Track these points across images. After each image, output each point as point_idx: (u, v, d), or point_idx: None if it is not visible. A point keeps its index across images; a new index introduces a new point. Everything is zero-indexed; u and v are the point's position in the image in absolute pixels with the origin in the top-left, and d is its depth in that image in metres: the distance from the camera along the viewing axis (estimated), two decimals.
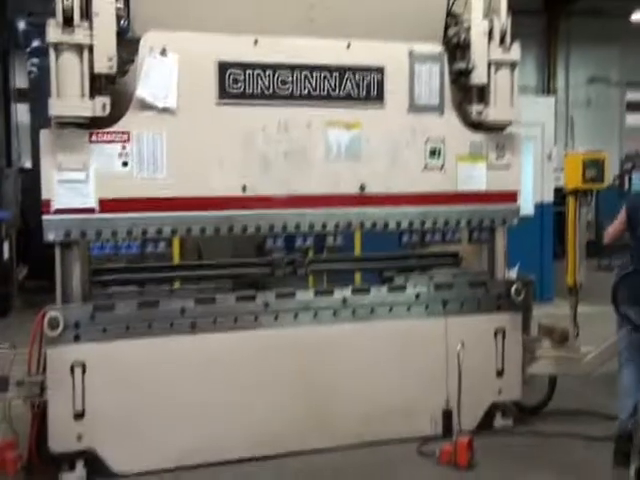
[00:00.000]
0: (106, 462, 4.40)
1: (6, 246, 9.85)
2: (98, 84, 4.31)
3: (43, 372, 4.38)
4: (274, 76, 4.63)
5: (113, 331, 4.42)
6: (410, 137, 4.93)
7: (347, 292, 4.90)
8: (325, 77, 4.73)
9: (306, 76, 4.69)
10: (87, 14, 4.23)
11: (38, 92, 11.07)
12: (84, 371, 4.33)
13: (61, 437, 4.32)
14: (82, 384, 4.33)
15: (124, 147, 4.39)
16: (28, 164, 13.33)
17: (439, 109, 4.97)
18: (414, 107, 4.92)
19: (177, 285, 5.36)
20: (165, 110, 4.44)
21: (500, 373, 5.15)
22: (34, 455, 4.44)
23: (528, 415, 5.41)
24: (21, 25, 13.31)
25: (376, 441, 4.87)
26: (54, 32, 4.19)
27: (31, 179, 10.87)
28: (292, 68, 4.66)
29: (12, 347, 4.42)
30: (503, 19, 4.99)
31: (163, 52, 4.40)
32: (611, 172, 12.05)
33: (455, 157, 5.03)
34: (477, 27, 4.93)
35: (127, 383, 4.44)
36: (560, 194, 8.69)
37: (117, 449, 4.42)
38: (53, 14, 4.22)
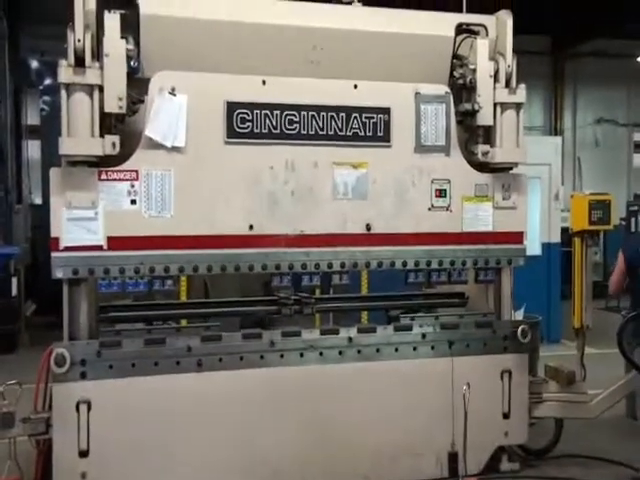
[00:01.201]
0: None
1: (14, 282, 9.88)
2: (108, 123, 4.36)
3: (49, 409, 4.37)
4: (281, 116, 4.68)
5: (119, 368, 4.41)
6: (416, 177, 4.95)
7: (353, 332, 4.89)
8: (332, 117, 4.77)
9: (313, 116, 4.74)
10: (98, 54, 4.32)
11: (49, 129, 11.22)
12: (89, 409, 4.32)
13: (65, 475, 4.29)
14: (87, 422, 4.31)
15: (133, 185, 4.43)
16: (38, 200, 13.45)
17: (445, 150, 5.00)
18: (420, 147, 4.95)
19: (184, 323, 5.36)
20: (174, 149, 4.49)
21: (506, 415, 5.09)
22: None
23: (534, 459, 5.34)
24: (34, 63, 13.57)
25: None
26: (66, 73, 4.26)
27: (41, 215, 10.96)
28: (299, 108, 4.71)
29: (19, 384, 4.41)
30: (509, 61, 5.04)
31: (172, 92, 4.47)
32: (618, 213, 12.03)
33: (461, 197, 5.04)
34: (483, 69, 4.98)
35: (132, 421, 4.42)
36: (567, 234, 8.72)
37: None
38: (65, 53, 4.30)
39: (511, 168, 5.19)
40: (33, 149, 13.87)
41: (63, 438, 4.30)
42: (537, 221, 9.74)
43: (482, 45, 4.99)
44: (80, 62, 4.27)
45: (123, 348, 4.45)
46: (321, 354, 4.80)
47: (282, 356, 4.72)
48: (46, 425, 4.38)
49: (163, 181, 4.49)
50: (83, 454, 4.31)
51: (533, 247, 8.65)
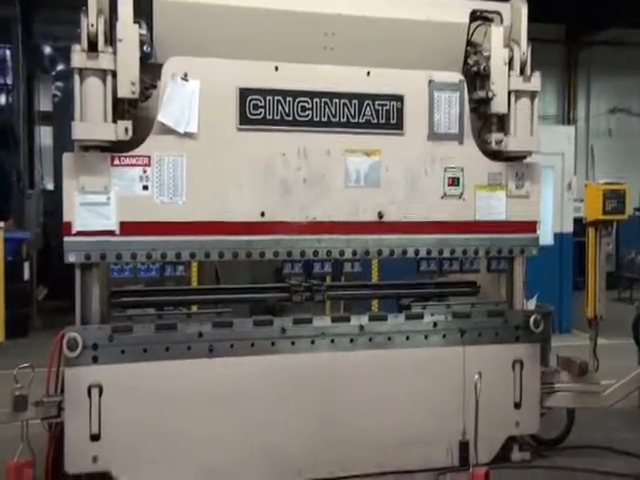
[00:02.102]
0: None
1: (27, 267, 9.94)
2: (120, 108, 4.36)
3: (61, 393, 4.40)
4: (294, 102, 4.66)
5: (131, 353, 4.43)
6: (429, 165, 4.93)
7: (364, 319, 4.89)
8: (345, 104, 4.75)
9: (326, 103, 4.71)
10: (111, 40, 4.31)
11: (62, 115, 11.26)
12: (101, 393, 4.34)
13: (77, 458, 4.32)
14: (99, 406, 4.33)
15: (145, 171, 4.43)
16: (50, 186, 13.50)
17: (458, 138, 4.97)
18: (433, 135, 4.92)
19: (195, 309, 5.37)
20: (186, 135, 4.48)
21: (518, 405, 5.07)
22: (50, 475, 4.45)
23: (546, 449, 5.33)
24: (46, 49, 13.58)
25: (392, 471, 4.82)
26: (79, 58, 4.26)
27: (53, 201, 11.03)
28: (312, 95, 4.69)
29: (31, 367, 4.43)
30: (523, 48, 5.00)
31: (185, 77, 4.45)
32: (632, 203, 11.95)
33: (474, 186, 5.01)
34: (497, 56, 4.93)
35: (143, 405, 4.44)
36: (580, 224, 8.68)
37: (132, 472, 4.41)
38: (78, 39, 4.29)
39: (525, 157, 5.16)
40: (45, 135, 13.90)
41: (75, 422, 4.33)
42: (550, 211, 9.70)
43: (497, 32, 4.94)
44: (93, 47, 4.26)
45: (135, 333, 4.46)
46: (332, 341, 4.79)
47: (293, 343, 4.72)
48: (58, 409, 4.40)
49: (175, 167, 4.49)
50: (94, 438, 4.33)
51: (545, 237, 8.62)
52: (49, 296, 11.04)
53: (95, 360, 4.36)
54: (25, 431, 4.40)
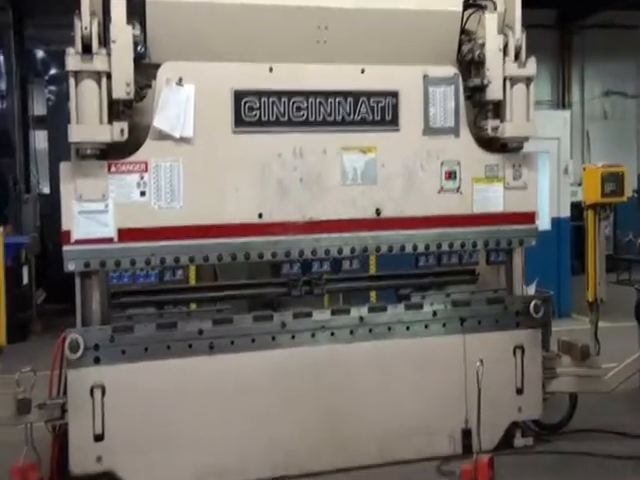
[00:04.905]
0: None
1: (25, 271, 9.94)
2: (116, 110, 4.38)
3: (64, 395, 4.43)
4: (289, 103, 4.67)
5: (132, 353, 4.46)
6: (425, 160, 4.94)
7: (364, 311, 4.91)
8: (340, 102, 4.76)
9: (321, 102, 4.73)
10: (105, 41, 4.33)
11: (56, 119, 11.25)
12: (103, 393, 4.38)
13: (81, 459, 4.36)
14: (102, 406, 4.37)
15: (142, 177, 4.45)
16: (46, 190, 13.50)
17: (454, 131, 4.98)
18: (429, 130, 4.93)
19: (194, 307, 5.40)
20: (182, 140, 4.49)
21: (520, 391, 5.11)
22: (56, 477, 4.48)
23: (549, 434, 5.36)
24: (39, 54, 13.55)
25: (395, 461, 4.86)
26: (73, 60, 4.28)
27: (49, 204, 11.02)
28: (307, 94, 4.70)
29: (33, 371, 4.46)
30: (518, 34, 4.99)
31: (179, 82, 4.47)
32: (630, 185, 11.95)
33: (471, 179, 5.03)
34: (491, 43, 4.93)
35: (146, 404, 4.48)
36: (577, 209, 8.67)
37: (136, 470, 4.45)
38: (71, 43, 4.30)
39: (522, 144, 5.15)
40: (40, 139, 13.88)
41: (78, 423, 4.36)
42: (546, 196, 9.70)
43: (491, 19, 4.93)
44: (87, 49, 4.28)
45: (135, 333, 4.50)
46: (332, 334, 4.82)
47: (293, 337, 4.75)
48: (61, 410, 4.43)
49: (172, 172, 4.51)
50: (98, 438, 4.37)
51: (543, 222, 8.60)
52: (48, 299, 11.05)
53: (97, 361, 4.40)
54: (29, 434, 4.44)
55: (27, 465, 4.38)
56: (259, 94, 4.62)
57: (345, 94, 4.76)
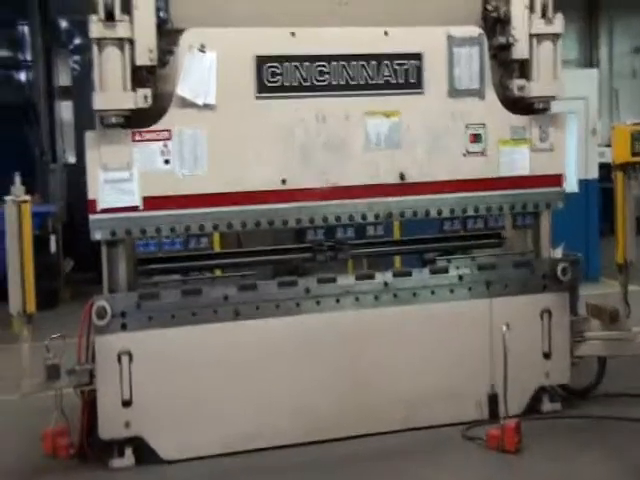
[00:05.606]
0: (154, 449, 4.51)
1: (53, 240, 10.05)
2: (139, 76, 4.39)
3: (92, 361, 4.50)
4: (312, 67, 4.63)
5: (158, 319, 4.51)
6: (450, 123, 4.88)
7: (388, 276, 4.90)
8: (362, 66, 4.71)
9: (344, 66, 4.68)
10: (127, 8, 4.32)
11: (81, 89, 11.26)
12: (131, 359, 4.43)
13: (110, 424, 4.44)
14: (129, 372, 4.43)
15: (166, 145, 4.46)
16: (72, 159, 13.59)
17: (479, 93, 4.91)
18: (454, 92, 4.86)
19: (218, 273, 5.43)
20: (205, 107, 4.48)
21: (547, 355, 5.08)
22: (85, 442, 4.57)
23: (577, 398, 5.33)
24: (63, 24, 13.55)
25: (420, 426, 4.87)
26: (96, 27, 4.29)
27: (75, 174, 11.09)
28: (329, 58, 4.65)
29: (62, 337, 4.53)
30: None
31: (202, 49, 4.45)
32: None
33: (497, 141, 4.96)
34: (517, 0, 4.83)
35: (172, 370, 4.53)
36: (605, 170, 8.52)
37: (164, 436, 4.52)
38: (93, 12, 4.30)
39: (548, 104, 5.06)
40: (65, 110, 13.96)
41: (106, 389, 4.43)
42: (574, 157, 9.55)
43: None
44: (110, 16, 4.28)
45: (161, 299, 4.54)
46: (357, 299, 4.82)
47: (318, 303, 4.76)
48: (90, 376, 4.51)
49: (195, 139, 4.51)
50: (126, 404, 4.44)
51: (570, 184, 8.51)
52: (76, 268, 11.19)
53: (124, 327, 4.45)
54: (59, 400, 4.52)
55: (57, 430, 4.47)
56: (281, 59, 4.58)
57: (368, 57, 4.71)
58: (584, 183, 9.85)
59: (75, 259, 11.14)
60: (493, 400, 4.91)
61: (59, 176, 12.78)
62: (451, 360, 4.95)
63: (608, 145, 5.81)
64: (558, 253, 5.49)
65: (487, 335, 4.94)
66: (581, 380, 5.38)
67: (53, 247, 10.05)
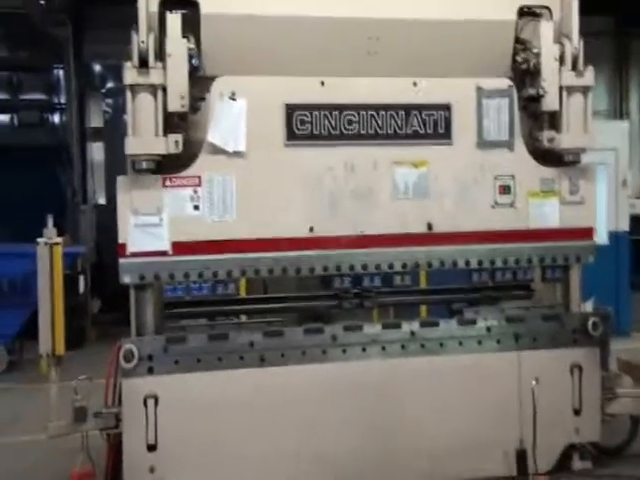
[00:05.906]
0: None
1: (82, 280, 10.17)
2: (171, 122, 4.45)
3: (119, 404, 4.49)
4: (340, 116, 4.67)
5: (185, 363, 4.49)
6: (479, 174, 4.87)
7: (415, 325, 4.85)
8: (391, 116, 4.74)
9: (372, 115, 4.71)
10: (161, 55, 4.40)
11: (112, 131, 11.50)
12: (157, 403, 4.41)
13: (135, 469, 4.40)
14: (155, 416, 4.40)
15: (196, 191, 4.51)
16: (102, 200, 13.82)
17: (509, 144, 4.91)
18: (483, 143, 4.87)
19: (244, 318, 5.41)
20: (235, 154, 4.54)
21: (577, 412, 4.96)
22: None
23: (608, 457, 5.19)
24: (96, 68, 13.95)
25: None
26: (130, 74, 4.37)
27: (105, 215, 11.26)
28: (358, 108, 4.69)
29: (89, 379, 4.55)
30: (575, 43, 4.88)
31: (232, 96, 4.52)
32: None
33: (526, 193, 4.93)
34: (547, 53, 4.83)
35: (197, 415, 4.50)
36: (636, 222, 8.44)
37: None
38: (127, 57, 4.40)
39: (579, 156, 5.03)
40: (96, 151, 14.26)
41: (132, 432, 4.40)
42: (604, 209, 9.48)
43: (546, 27, 4.85)
44: (144, 63, 4.37)
45: (188, 343, 4.53)
46: (384, 348, 4.77)
47: (344, 351, 4.72)
48: (116, 419, 4.49)
49: (225, 186, 4.55)
50: (151, 448, 4.41)
51: (600, 236, 8.41)
52: (103, 309, 11.27)
53: (150, 371, 4.44)
54: (85, 442, 4.52)
55: (83, 472, 4.47)
56: (310, 108, 4.63)
57: (396, 107, 4.74)
58: (614, 235, 9.76)
59: (102, 299, 11.24)
60: (522, 456, 4.79)
61: (89, 217, 12.99)
62: (478, 413, 4.86)
63: (639, 197, 5.77)
64: (588, 307, 5.41)
65: (515, 389, 4.85)
66: (613, 438, 5.25)
67: (82, 287, 10.17)
